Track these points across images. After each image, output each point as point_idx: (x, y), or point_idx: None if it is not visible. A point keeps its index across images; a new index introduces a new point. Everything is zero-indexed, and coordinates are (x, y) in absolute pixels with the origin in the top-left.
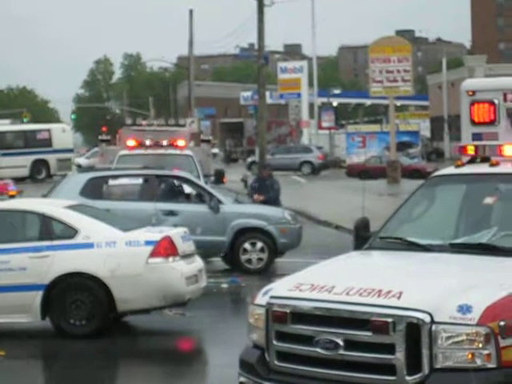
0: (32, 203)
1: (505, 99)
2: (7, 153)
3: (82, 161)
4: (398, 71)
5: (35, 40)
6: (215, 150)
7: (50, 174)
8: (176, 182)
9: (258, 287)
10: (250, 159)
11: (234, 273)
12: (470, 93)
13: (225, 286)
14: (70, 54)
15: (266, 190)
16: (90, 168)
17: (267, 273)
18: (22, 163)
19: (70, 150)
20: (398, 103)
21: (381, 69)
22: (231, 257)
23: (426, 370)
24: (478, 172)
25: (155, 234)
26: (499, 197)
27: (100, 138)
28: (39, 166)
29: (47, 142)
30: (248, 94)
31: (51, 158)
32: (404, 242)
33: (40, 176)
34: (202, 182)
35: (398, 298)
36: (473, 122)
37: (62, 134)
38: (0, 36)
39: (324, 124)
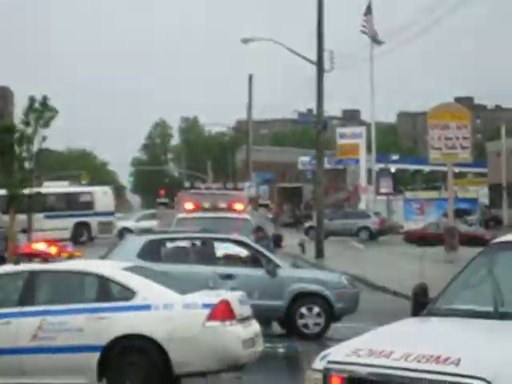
0: (90, 264)
1: None
2: (50, 215)
3: (131, 224)
4: (457, 138)
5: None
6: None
7: (91, 236)
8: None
9: (315, 352)
10: (307, 224)
11: (290, 337)
12: None
13: (281, 350)
14: (127, 117)
15: None
16: (148, 231)
17: (324, 338)
18: (64, 225)
19: (111, 213)
20: (457, 170)
21: (440, 135)
22: (288, 321)
23: None
24: None
25: (212, 297)
26: None
27: (158, 200)
28: (81, 228)
29: (89, 205)
30: (306, 158)
31: (93, 221)
32: (463, 309)
33: (81, 238)
34: (259, 246)
35: (457, 364)
36: None
37: (104, 196)
38: (60, 100)
39: (382, 190)
